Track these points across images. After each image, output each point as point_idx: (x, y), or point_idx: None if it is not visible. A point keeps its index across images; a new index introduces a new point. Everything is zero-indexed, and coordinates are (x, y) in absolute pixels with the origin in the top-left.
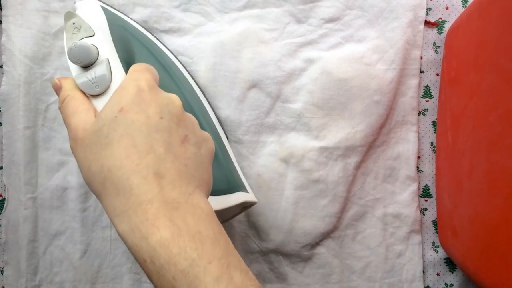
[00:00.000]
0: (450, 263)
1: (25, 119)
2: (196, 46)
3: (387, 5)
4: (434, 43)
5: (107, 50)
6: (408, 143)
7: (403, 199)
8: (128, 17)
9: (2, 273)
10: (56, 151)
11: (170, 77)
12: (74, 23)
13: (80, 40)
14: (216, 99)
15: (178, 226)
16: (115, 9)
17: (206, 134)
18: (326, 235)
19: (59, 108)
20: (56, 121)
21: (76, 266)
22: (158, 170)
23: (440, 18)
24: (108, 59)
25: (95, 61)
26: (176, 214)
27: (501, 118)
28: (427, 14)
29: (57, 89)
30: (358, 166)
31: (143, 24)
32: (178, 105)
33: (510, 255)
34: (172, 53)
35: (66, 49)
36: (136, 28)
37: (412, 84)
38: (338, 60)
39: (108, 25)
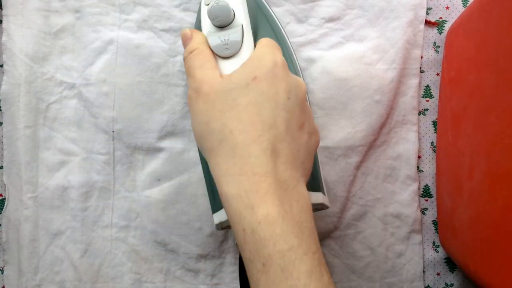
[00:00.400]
0: (450, 263)
1: (26, 119)
2: None
3: (387, 5)
4: (435, 42)
5: (242, 16)
6: (409, 143)
7: (403, 199)
8: None
9: (2, 273)
10: (57, 150)
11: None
12: None
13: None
14: None
15: (285, 209)
16: None
17: (317, 127)
18: (326, 235)
19: (184, 58)
20: (57, 121)
21: (77, 265)
22: (276, 147)
23: (441, 18)
24: (242, 25)
25: (229, 24)
26: (284, 196)
27: (501, 118)
28: (427, 13)
29: (186, 40)
30: (358, 166)
31: (144, 23)
32: (304, 90)
33: (510, 255)
34: (285, 33)
35: (202, 2)
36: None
37: (413, 83)
38: (338, 59)
39: None
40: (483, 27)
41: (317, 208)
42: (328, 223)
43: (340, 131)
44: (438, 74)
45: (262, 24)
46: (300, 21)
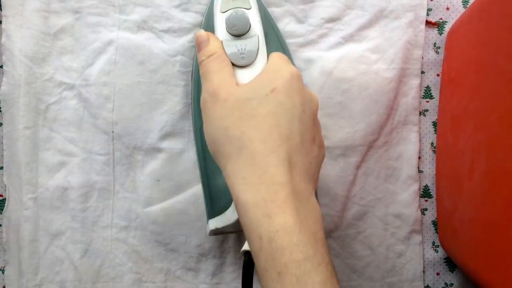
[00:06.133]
0: (450, 263)
1: (25, 119)
2: None
3: (387, 5)
4: (435, 43)
5: (257, 27)
6: (410, 143)
7: (404, 199)
8: None
9: (3, 273)
10: (56, 151)
11: None
12: None
13: (237, 8)
14: None
15: (301, 219)
16: None
17: (323, 141)
18: (327, 235)
19: (200, 61)
20: (56, 121)
21: (77, 265)
22: (292, 159)
23: (441, 19)
24: (258, 36)
25: (245, 34)
26: (300, 207)
27: (501, 118)
28: (427, 14)
29: (202, 41)
30: (359, 166)
31: (143, 24)
32: (317, 105)
33: (509, 255)
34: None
35: (218, 9)
36: (268, 12)
37: (414, 84)
38: (337, 60)
39: (257, 2)
40: (483, 28)
41: None
42: (328, 222)
43: (339, 131)
44: (438, 75)
45: (270, 35)
46: (300, 21)
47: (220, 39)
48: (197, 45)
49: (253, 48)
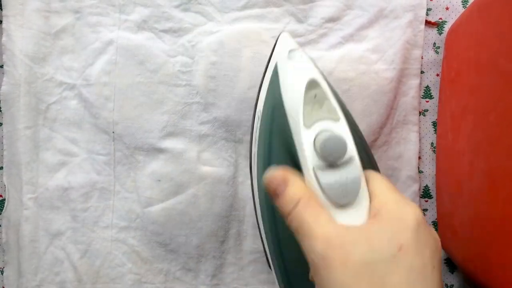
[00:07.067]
0: (450, 264)
1: (26, 119)
2: (196, 46)
3: (387, 5)
4: (434, 43)
5: (352, 147)
6: (410, 143)
7: None
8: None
9: (2, 273)
10: (57, 151)
11: None
12: (315, 96)
13: (327, 128)
14: (217, 98)
15: None
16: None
17: None
18: None
19: (289, 213)
20: (57, 121)
21: (77, 266)
22: None
23: (440, 19)
24: (356, 160)
25: (341, 159)
26: None
27: (501, 118)
28: (427, 14)
29: (278, 185)
30: None
31: (143, 24)
32: (441, 249)
33: (509, 256)
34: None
35: (300, 122)
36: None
37: (414, 84)
38: (337, 60)
39: (336, 98)
40: (483, 28)
41: None
42: None
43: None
44: (438, 75)
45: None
46: (299, 21)
47: (310, 167)
48: (271, 191)
49: (355, 180)
